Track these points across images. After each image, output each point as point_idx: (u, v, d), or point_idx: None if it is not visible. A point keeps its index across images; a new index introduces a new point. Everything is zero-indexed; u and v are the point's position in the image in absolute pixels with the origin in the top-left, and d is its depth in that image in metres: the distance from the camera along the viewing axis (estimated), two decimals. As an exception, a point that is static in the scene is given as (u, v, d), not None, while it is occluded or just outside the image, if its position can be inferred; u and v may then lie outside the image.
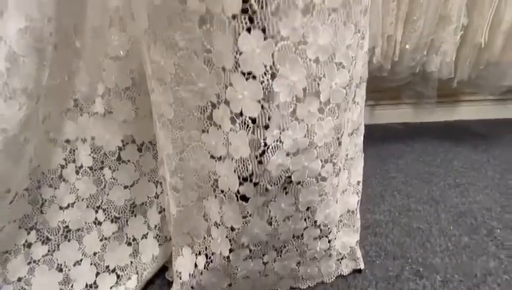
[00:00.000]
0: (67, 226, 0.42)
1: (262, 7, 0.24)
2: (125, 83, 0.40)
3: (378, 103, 1.25)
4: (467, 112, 1.25)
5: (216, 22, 0.25)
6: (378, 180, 0.75)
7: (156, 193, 0.46)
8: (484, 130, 1.08)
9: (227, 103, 0.28)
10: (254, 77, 0.26)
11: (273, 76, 0.26)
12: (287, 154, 0.31)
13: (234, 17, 0.24)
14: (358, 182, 0.44)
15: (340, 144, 0.33)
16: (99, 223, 0.43)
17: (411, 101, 1.20)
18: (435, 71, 0.82)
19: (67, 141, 0.42)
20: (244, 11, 0.24)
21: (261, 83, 0.26)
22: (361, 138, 0.41)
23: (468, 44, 0.80)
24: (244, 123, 0.28)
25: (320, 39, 0.26)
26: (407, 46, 0.78)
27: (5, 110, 0.30)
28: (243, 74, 0.26)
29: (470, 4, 0.76)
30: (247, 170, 0.30)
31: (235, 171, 0.30)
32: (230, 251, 0.34)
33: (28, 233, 0.41)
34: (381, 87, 0.93)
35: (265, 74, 0.26)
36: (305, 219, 0.36)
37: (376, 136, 1.08)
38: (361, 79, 0.36)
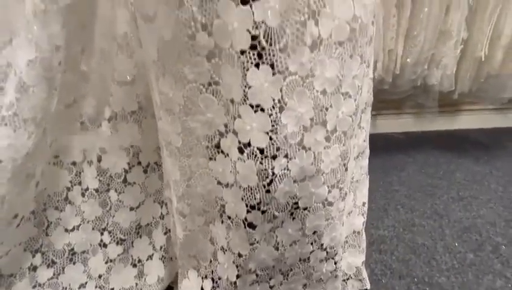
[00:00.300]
0: (72, 249, 0.42)
1: (271, 44, 0.24)
2: (132, 106, 0.40)
3: (379, 112, 1.26)
4: (467, 120, 1.25)
5: (225, 56, 0.26)
6: (382, 194, 0.75)
7: (162, 214, 0.46)
8: (485, 139, 1.09)
9: (235, 133, 0.28)
10: (262, 110, 0.26)
11: (281, 109, 0.26)
12: (294, 181, 0.31)
13: (243, 52, 0.25)
14: (363, 203, 0.44)
15: (346, 169, 0.34)
16: (105, 245, 0.43)
17: (412, 110, 1.21)
18: (436, 84, 0.82)
19: (74, 163, 0.42)
20: (252, 47, 0.25)
21: (269, 116, 0.26)
22: (367, 160, 0.41)
23: (468, 57, 0.81)
24: (253, 153, 0.28)
25: (327, 72, 0.27)
26: (408, 60, 0.78)
27: (14, 140, 0.30)
28: (252, 106, 0.26)
29: (470, 19, 0.77)
30: (254, 198, 0.30)
31: (242, 199, 0.31)
32: (237, 276, 0.34)
33: (33, 256, 0.41)
34: (382, 99, 0.94)
35: (273, 107, 0.26)
36: (311, 243, 0.36)
37: (378, 147, 1.08)
38: (366, 104, 0.37)
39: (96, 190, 0.42)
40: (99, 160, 0.41)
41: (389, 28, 0.75)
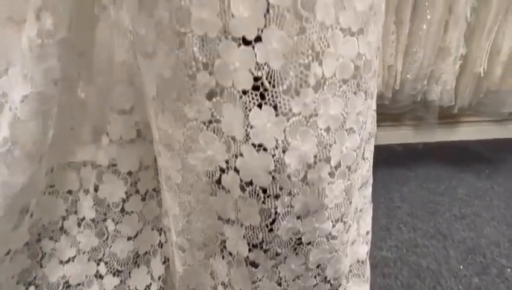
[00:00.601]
0: (67, 281, 0.41)
1: (274, 86, 0.23)
2: (130, 135, 0.39)
3: (379, 124, 1.26)
4: (467, 132, 1.25)
5: (226, 95, 0.25)
6: (384, 211, 0.75)
7: (160, 241, 0.45)
8: (486, 151, 1.08)
9: (236, 171, 0.27)
10: (265, 149, 0.26)
11: (284, 149, 0.26)
12: (298, 217, 0.30)
13: (245, 92, 0.24)
14: (367, 232, 0.43)
15: (350, 203, 0.33)
16: (101, 277, 0.42)
17: (411, 122, 1.21)
18: (435, 99, 0.82)
19: (69, 192, 0.41)
20: (255, 87, 0.24)
21: (273, 156, 0.26)
22: (370, 189, 0.40)
23: (467, 73, 0.81)
24: (255, 192, 0.27)
25: (331, 110, 0.26)
26: (408, 76, 0.78)
27: (8, 177, 0.29)
28: (254, 145, 0.26)
29: (468, 35, 0.78)
30: (257, 237, 0.29)
31: (244, 237, 0.29)
32: (239, 312, 0.33)
33: (27, 289, 0.40)
34: (382, 112, 0.94)
35: (276, 147, 0.25)
36: (315, 276, 0.35)
37: (378, 160, 1.08)
38: (370, 135, 0.36)
39: (93, 220, 0.41)
40: (96, 189, 0.40)
41: (388, 44, 0.75)
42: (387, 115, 1.07)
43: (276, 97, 0.24)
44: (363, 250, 0.43)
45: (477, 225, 0.68)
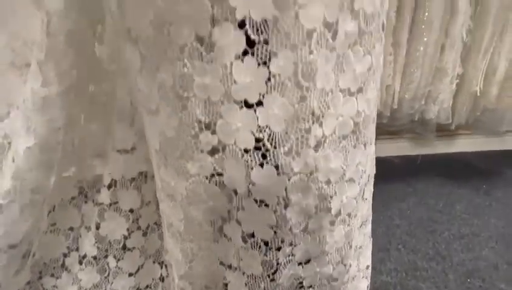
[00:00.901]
0: (69, 319, 0.41)
1: (275, 147, 0.24)
2: (132, 173, 0.39)
3: (377, 137, 1.27)
4: (465, 144, 1.26)
5: (228, 151, 0.25)
6: (383, 231, 0.75)
7: (161, 275, 0.45)
8: (483, 165, 1.09)
9: (238, 222, 0.28)
10: (267, 205, 0.26)
11: (286, 205, 0.26)
12: (299, 264, 0.30)
13: (247, 151, 0.25)
14: (367, 267, 0.43)
15: (351, 247, 0.33)
16: (103, 313, 0.42)
17: (409, 135, 1.21)
18: (433, 118, 0.83)
19: (71, 229, 0.41)
20: (257, 148, 0.24)
21: (274, 212, 0.26)
22: (370, 225, 0.41)
23: (464, 92, 0.82)
24: (257, 244, 0.28)
25: (332, 164, 0.27)
26: (405, 96, 0.79)
27: (11, 227, 0.29)
28: (255, 201, 0.26)
29: (464, 55, 0.79)
30: (258, 286, 0.29)
31: (246, 284, 0.30)
32: None
33: (28, 327, 0.40)
34: (380, 128, 0.95)
35: (278, 203, 0.26)
36: (316, 316, 0.35)
37: (377, 174, 1.09)
38: (369, 177, 0.37)
39: (94, 257, 0.41)
40: (97, 227, 0.40)
41: (386, 65, 0.76)
42: (385, 129, 1.08)
43: (278, 158, 0.24)
44: (363, 285, 0.43)
45: (475, 246, 0.69)
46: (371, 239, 0.44)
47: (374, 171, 0.38)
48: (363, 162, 0.29)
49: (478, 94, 0.80)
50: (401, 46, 0.75)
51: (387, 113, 0.83)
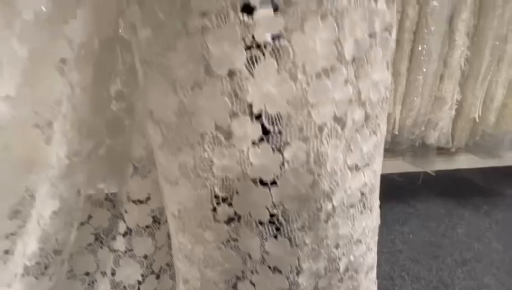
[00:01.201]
0: None
1: (288, 222, 0.26)
2: (146, 221, 0.41)
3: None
4: (465, 161, 1.28)
5: (244, 221, 0.27)
6: (386, 257, 0.76)
7: (173, 315, 0.46)
8: (484, 183, 1.11)
9: (252, 284, 0.29)
10: (280, 271, 0.28)
11: (298, 273, 0.28)
12: (309, 319, 0.32)
13: (261, 223, 0.26)
14: (373, 308, 0.44)
15: (358, 298, 0.35)
16: None
17: (410, 152, 1.23)
18: (433, 143, 0.85)
19: (87, 274, 0.43)
20: (271, 221, 0.26)
21: (287, 279, 0.28)
22: (375, 271, 0.42)
23: (463, 117, 0.84)
24: (270, 304, 0.29)
25: (340, 231, 0.28)
26: (406, 122, 0.81)
27: (36, 287, 0.31)
28: (269, 267, 0.28)
29: (463, 82, 0.81)
30: None
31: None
32: None
33: None
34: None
35: (290, 271, 0.27)
36: None
37: (379, 194, 1.10)
38: (374, 230, 0.38)
39: (110, 302, 0.42)
40: (112, 273, 0.42)
41: (386, 94, 0.78)
42: (385, 152, 1.09)
43: (291, 232, 0.26)
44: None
45: (477, 273, 0.70)
46: (376, 283, 0.45)
47: (379, 221, 0.39)
48: (369, 224, 0.31)
49: (477, 120, 0.82)
50: (401, 75, 0.77)
51: (388, 138, 0.85)
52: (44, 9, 0.31)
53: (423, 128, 0.82)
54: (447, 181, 1.12)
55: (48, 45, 0.33)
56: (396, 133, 0.83)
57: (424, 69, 0.75)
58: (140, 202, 0.41)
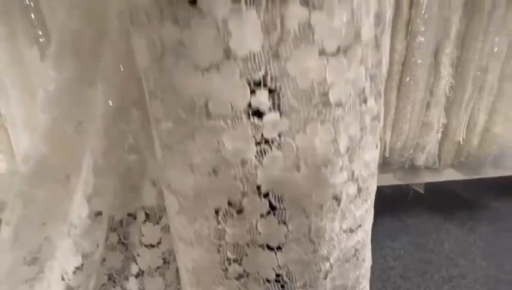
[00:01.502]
0: None
1: (292, 281, 0.29)
2: (157, 263, 0.44)
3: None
4: (452, 173, 1.34)
5: (252, 278, 0.30)
6: (378, 274, 0.81)
7: None
8: (470, 195, 1.16)
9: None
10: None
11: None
12: None
13: (268, 281, 0.30)
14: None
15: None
16: None
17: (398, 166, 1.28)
18: (421, 164, 0.90)
19: (102, 311, 0.45)
20: (277, 280, 0.30)
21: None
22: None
23: (449, 140, 0.89)
24: None
25: (337, 282, 0.32)
26: (396, 146, 0.86)
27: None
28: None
29: (448, 107, 0.86)
30: None
31: None
32: None
33: None
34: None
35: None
36: None
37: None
38: (366, 276, 0.42)
39: (123, 338, 0.45)
40: (126, 312, 0.45)
41: (377, 120, 0.83)
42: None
43: (294, 289, 0.29)
44: None
45: (462, 289, 0.75)
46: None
47: (371, 263, 0.43)
48: (362, 273, 0.35)
49: (461, 143, 0.87)
50: (390, 103, 0.82)
51: (380, 160, 0.90)
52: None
53: (412, 151, 0.87)
54: (434, 194, 1.17)
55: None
56: (387, 155, 0.88)
57: (412, 98, 0.80)
58: (152, 246, 0.44)
